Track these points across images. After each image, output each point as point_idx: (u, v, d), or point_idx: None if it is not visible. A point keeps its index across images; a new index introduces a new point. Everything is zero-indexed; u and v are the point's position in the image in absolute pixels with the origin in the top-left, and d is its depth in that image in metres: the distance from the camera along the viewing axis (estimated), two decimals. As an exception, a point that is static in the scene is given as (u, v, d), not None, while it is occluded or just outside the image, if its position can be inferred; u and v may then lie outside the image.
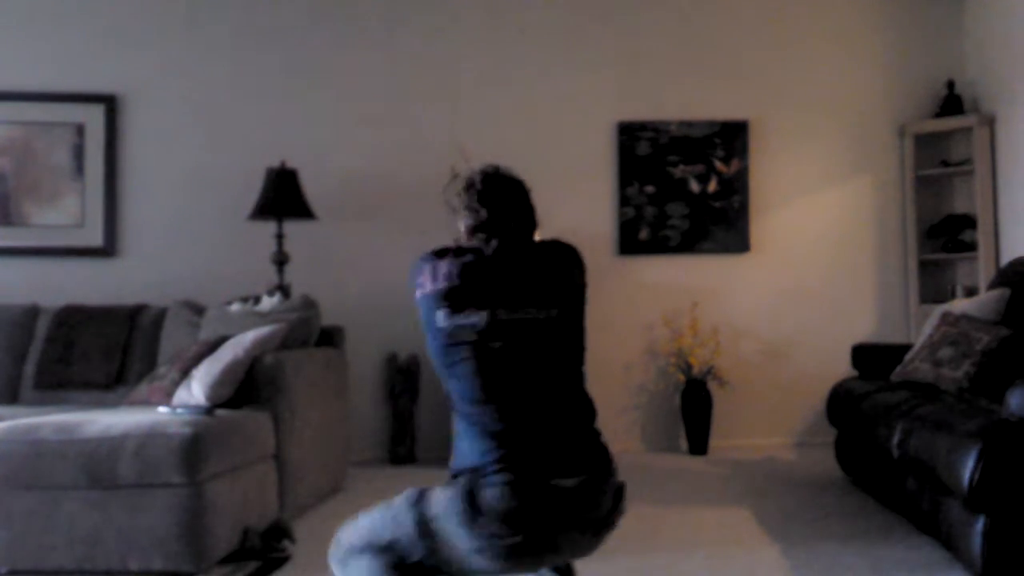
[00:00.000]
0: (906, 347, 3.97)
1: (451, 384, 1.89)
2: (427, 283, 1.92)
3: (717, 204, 5.12)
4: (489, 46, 5.15)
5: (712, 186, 5.12)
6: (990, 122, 4.92)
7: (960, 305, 3.80)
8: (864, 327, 5.11)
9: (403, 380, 4.83)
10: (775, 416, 5.11)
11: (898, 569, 2.77)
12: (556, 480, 1.79)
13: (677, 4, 5.22)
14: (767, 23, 5.22)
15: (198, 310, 4.04)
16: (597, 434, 1.94)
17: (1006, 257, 4.70)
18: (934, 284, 5.14)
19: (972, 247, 4.96)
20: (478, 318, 1.87)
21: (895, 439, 3.11)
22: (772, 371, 5.12)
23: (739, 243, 5.12)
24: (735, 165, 5.13)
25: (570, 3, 5.19)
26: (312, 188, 4.69)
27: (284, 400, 3.38)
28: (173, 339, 3.94)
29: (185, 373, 3.33)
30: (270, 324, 3.56)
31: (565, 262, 2.06)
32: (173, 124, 5.02)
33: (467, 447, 1.84)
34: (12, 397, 3.97)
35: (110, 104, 4.96)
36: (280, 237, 4.60)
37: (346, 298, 4.79)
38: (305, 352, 3.74)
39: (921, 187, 5.11)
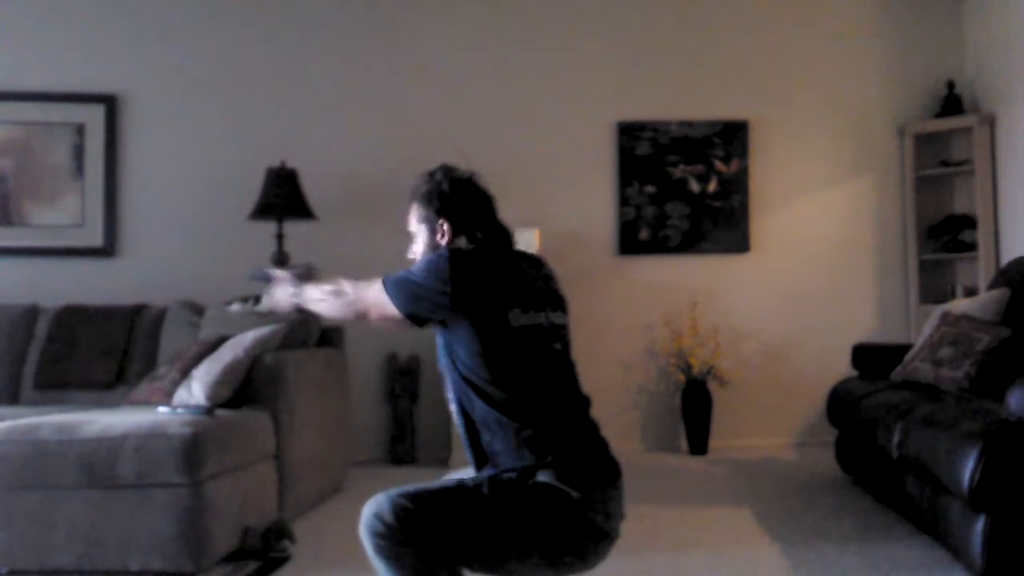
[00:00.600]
0: (906, 347, 3.97)
1: (508, 387, 1.79)
2: (486, 280, 1.83)
3: (717, 204, 5.12)
4: (489, 46, 5.15)
5: (712, 186, 5.12)
6: (990, 122, 4.92)
7: (960, 305, 3.80)
8: (864, 327, 5.11)
9: (403, 380, 4.83)
10: (775, 416, 5.11)
11: (898, 569, 2.77)
12: (615, 486, 1.81)
13: (677, 4, 5.22)
14: (767, 23, 5.22)
15: (198, 310, 4.03)
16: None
17: (1006, 257, 4.70)
18: (934, 284, 5.13)
19: (972, 247, 4.96)
20: (543, 319, 1.87)
21: (895, 439, 3.11)
22: (772, 371, 5.12)
23: (739, 243, 5.12)
24: (735, 165, 5.13)
25: (570, 3, 5.19)
26: (312, 188, 4.69)
27: (284, 400, 3.38)
28: (173, 339, 3.94)
29: (185, 373, 3.33)
30: (270, 324, 3.55)
31: (554, 272, 2.05)
32: (173, 124, 5.01)
33: (526, 449, 1.76)
34: (12, 397, 3.97)
35: (110, 104, 4.96)
36: (280, 237, 4.60)
37: (346, 298, 4.78)
38: (305, 352, 3.74)
39: (921, 187, 5.11)
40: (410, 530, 1.63)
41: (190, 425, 2.74)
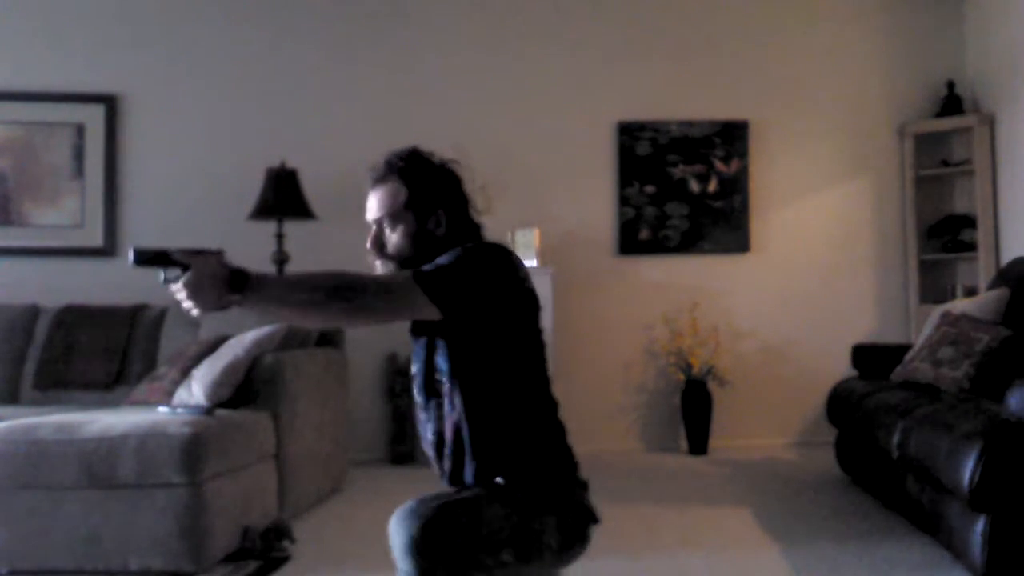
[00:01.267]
0: (906, 347, 3.97)
1: (528, 391, 1.74)
2: (527, 278, 1.74)
3: (717, 204, 5.12)
4: (489, 46, 5.15)
5: (712, 186, 5.12)
6: (990, 122, 4.92)
7: (960, 305, 3.80)
8: (864, 327, 5.11)
9: (403, 380, 4.82)
10: (775, 416, 5.11)
11: (898, 569, 2.77)
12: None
13: (677, 4, 5.22)
14: (767, 23, 5.22)
15: (198, 310, 4.03)
16: None
17: (1006, 257, 4.70)
18: (934, 284, 5.13)
19: (972, 247, 4.96)
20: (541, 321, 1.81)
21: (895, 439, 3.11)
22: (772, 371, 5.12)
23: (739, 243, 5.12)
24: (735, 165, 5.13)
25: (570, 3, 5.19)
26: (312, 188, 4.69)
27: (284, 400, 3.38)
28: (173, 339, 3.94)
29: (185, 373, 3.33)
30: (270, 324, 3.55)
31: None
32: (173, 124, 5.02)
33: (546, 459, 1.75)
34: (12, 397, 3.97)
35: (110, 104, 4.96)
36: (280, 237, 4.60)
37: (346, 298, 4.78)
38: (305, 352, 3.74)
39: (921, 187, 5.11)
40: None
41: (190, 425, 2.74)
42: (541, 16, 5.17)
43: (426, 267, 1.63)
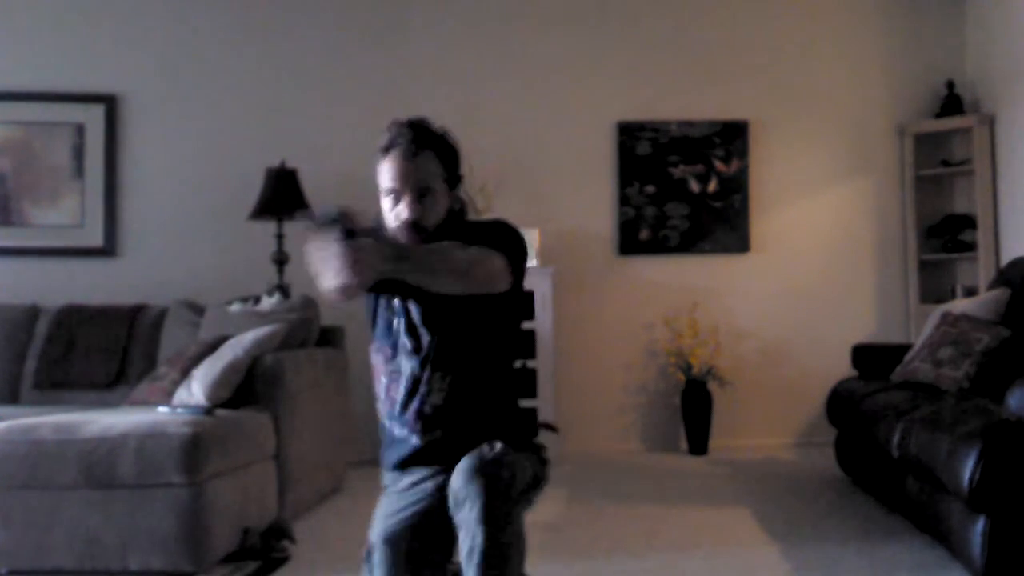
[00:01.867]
0: (906, 347, 3.97)
1: (511, 352, 1.97)
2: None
3: (717, 204, 5.12)
4: (489, 46, 5.15)
5: (712, 186, 5.12)
6: (990, 122, 4.92)
7: (960, 305, 3.80)
8: (864, 327, 5.11)
9: (403, 380, 4.82)
10: (775, 416, 5.11)
11: (898, 569, 2.77)
12: None
13: (677, 4, 5.22)
14: (767, 23, 5.22)
15: (198, 310, 4.03)
16: None
17: (1006, 257, 4.70)
18: (934, 284, 5.13)
19: (972, 247, 4.96)
20: None
21: (895, 439, 3.11)
22: (772, 371, 5.12)
23: (739, 243, 5.12)
24: (735, 165, 5.13)
25: (570, 3, 5.19)
26: (312, 188, 4.69)
27: (284, 400, 3.38)
28: (173, 339, 3.94)
29: (185, 373, 3.33)
30: (270, 324, 3.55)
31: None
32: (173, 124, 5.02)
33: (525, 412, 1.99)
34: (12, 397, 3.97)
35: (110, 104, 4.96)
36: (280, 237, 4.60)
37: (346, 298, 4.78)
38: (305, 352, 3.74)
39: (921, 187, 5.11)
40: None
41: (190, 425, 2.74)
42: (541, 16, 5.17)
43: (503, 246, 1.74)
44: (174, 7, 5.05)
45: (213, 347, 3.42)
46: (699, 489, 4.05)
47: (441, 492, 1.76)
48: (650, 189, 5.11)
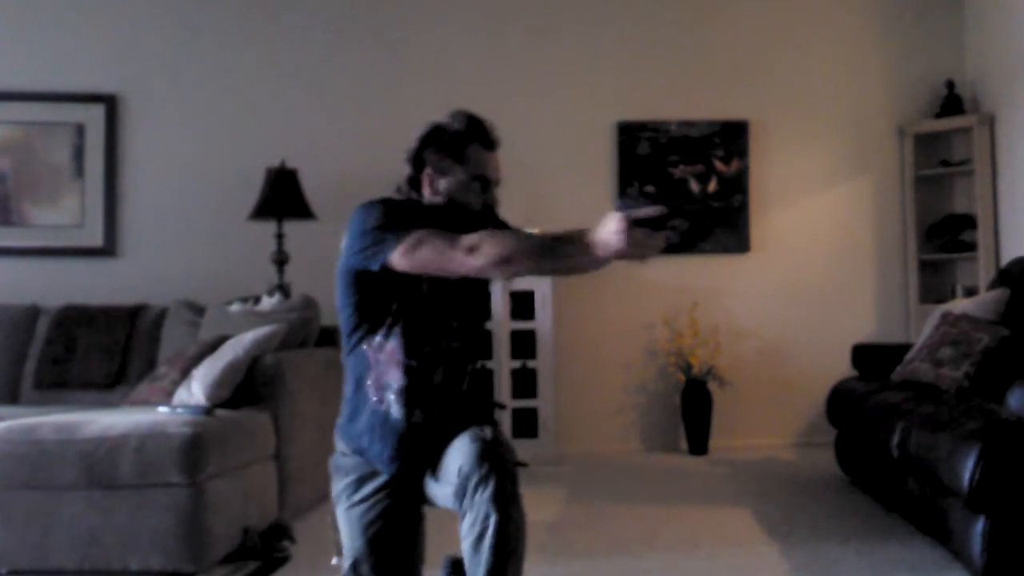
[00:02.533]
0: (906, 347, 3.97)
1: None
2: None
3: (717, 204, 5.12)
4: (489, 46, 5.15)
5: (712, 186, 5.12)
6: (990, 122, 4.92)
7: (960, 305, 3.80)
8: (864, 327, 5.11)
9: (403, 380, 4.82)
10: (775, 416, 5.11)
11: (898, 569, 2.77)
12: None
13: (678, 4, 5.21)
14: (767, 23, 5.22)
15: (198, 310, 4.03)
16: None
17: (1006, 257, 4.70)
18: (934, 284, 5.13)
19: (972, 247, 4.96)
20: None
21: (895, 439, 3.11)
22: (772, 371, 5.12)
23: (739, 243, 5.12)
24: (735, 165, 5.13)
25: (570, 3, 5.19)
26: (312, 188, 4.69)
27: (284, 400, 3.38)
28: (173, 339, 3.93)
29: (185, 373, 3.33)
30: (270, 324, 3.55)
31: None
32: (173, 124, 5.02)
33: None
34: (12, 397, 3.96)
35: (110, 104, 4.96)
36: (280, 237, 4.60)
37: (346, 298, 4.78)
38: (305, 352, 3.74)
39: (921, 187, 5.11)
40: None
41: (190, 425, 2.74)
42: (541, 17, 5.17)
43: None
44: (174, 7, 5.05)
45: (213, 347, 3.42)
46: (699, 489, 4.05)
47: (403, 490, 1.87)
48: (650, 189, 5.11)
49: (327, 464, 2.09)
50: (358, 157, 4.98)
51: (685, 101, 5.16)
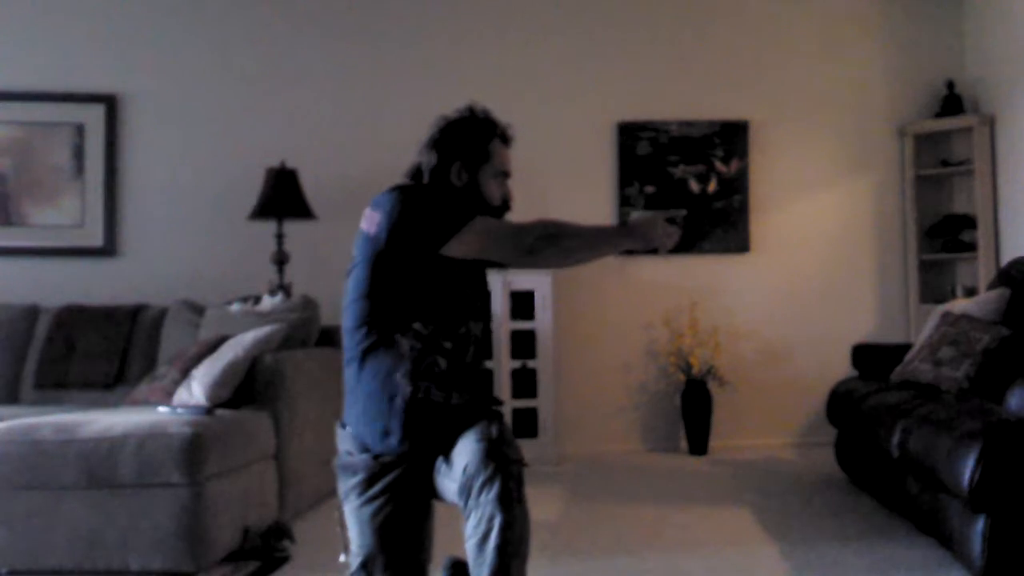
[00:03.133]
0: (906, 347, 3.97)
1: None
2: None
3: (717, 204, 5.12)
4: (489, 46, 5.15)
5: (712, 186, 5.12)
6: (990, 122, 4.92)
7: (960, 305, 3.80)
8: (864, 327, 5.11)
9: (403, 380, 4.82)
10: (775, 416, 5.11)
11: (898, 569, 2.77)
12: None
13: (678, 4, 5.22)
14: (767, 23, 5.22)
15: (198, 310, 4.03)
16: None
17: (1006, 257, 4.70)
18: (934, 284, 5.14)
19: (972, 247, 4.96)
20: None
21: (895, 439, 3.11)
22: (772, 371, 5.12)
23: (739, 243, 5.12)
24: (735, 165, 5.13)
25: (570, 3, 5.19)
26: (312, 188, 4.69)
27: (284, 400, 3.38)
28: (173, 339, 3.94)
29: (185, 373, 3.33)
30: (270, 324, 3.56)
31: None
32: (173, 124, 5.02)
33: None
34: (12, 397, 3.97)
35: (110, 104, 4.96)
36: (280, 237, 4.60)
37: (346, 298, 4.78)
38: (305, 352, 3.74)
39: (921, 187, 5.11)
40: None
41: (190, 425, 2.74)
42: (541, 16, 5.17)
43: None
44: (174, 7, 5.05)
45: (213, 347, 3.42)
46: (699, 489, 4.05)
47: (415, 483, 1.87)
48: (650, 189, 5.11)
49: (327, 464, 2.09)
50: (358, 157, 4.98)
51: (685, 101, 5.16)
